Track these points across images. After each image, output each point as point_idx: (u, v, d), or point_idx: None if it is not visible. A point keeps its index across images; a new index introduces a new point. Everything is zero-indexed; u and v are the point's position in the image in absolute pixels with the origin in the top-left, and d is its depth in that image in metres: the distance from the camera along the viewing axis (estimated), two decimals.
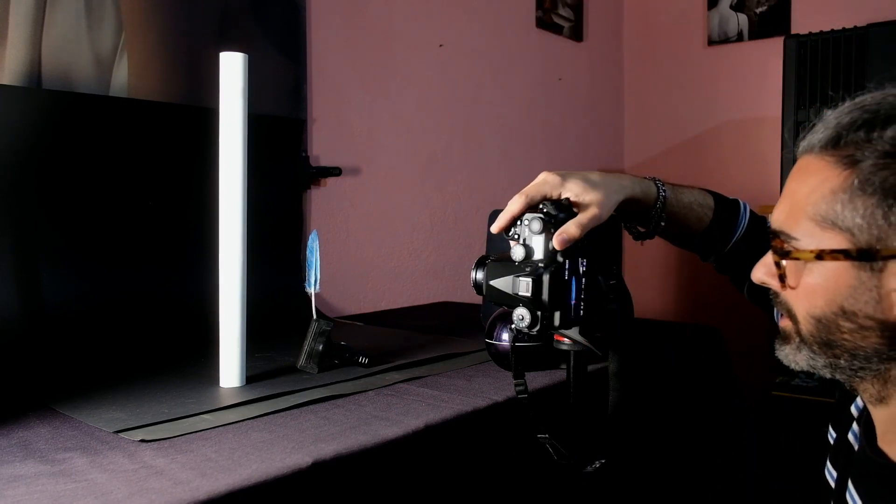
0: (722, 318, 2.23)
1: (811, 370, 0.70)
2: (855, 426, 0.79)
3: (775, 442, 2.07)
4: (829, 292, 0.65)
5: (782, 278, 0.68)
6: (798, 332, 0.69)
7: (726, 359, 1.58)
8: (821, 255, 0.64)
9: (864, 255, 0.62)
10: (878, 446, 0.72)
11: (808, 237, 0.66)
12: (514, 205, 0.81)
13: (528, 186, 0.83)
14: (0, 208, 1.30)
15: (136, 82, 1.50)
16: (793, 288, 0.68)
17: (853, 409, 0.81)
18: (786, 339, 0.71)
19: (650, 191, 0.89)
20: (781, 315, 0.72)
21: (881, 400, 0.69)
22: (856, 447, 0.78)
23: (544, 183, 0.83)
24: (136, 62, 1.50)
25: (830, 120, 0.67)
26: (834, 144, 0.66)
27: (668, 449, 1.35)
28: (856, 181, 0.63)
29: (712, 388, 1.53)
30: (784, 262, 0.68)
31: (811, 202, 0.65)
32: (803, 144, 0.69)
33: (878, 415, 0.71)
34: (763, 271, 0.71)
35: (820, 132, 0.67)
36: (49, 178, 1.36)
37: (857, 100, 0.67)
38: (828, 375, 0.69)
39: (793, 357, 0.70)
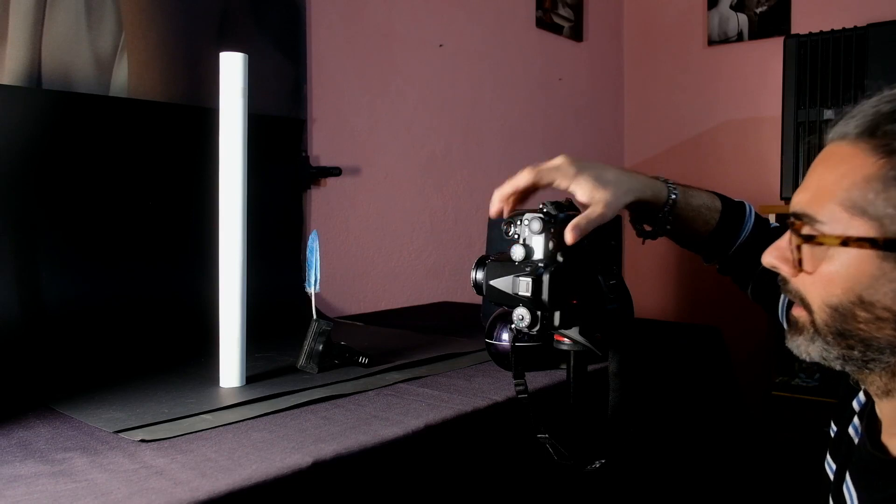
0: (722, 318, 2.23)
1: (822, 361, 0.69)
2: (856, 420, 0.79)
3: (775, 442, 2.07)
4: (849, 281, 0.64)
5: (799, 263, 0.67)
6: (812, 322, 0.68)
7: (726, 359, 1.58)
8: (846, 242, 0.64)
9: (891, 246, 0.62)
10: (881, 441, 0.72)
11: (834, 222, 0.65)
12: (522, 179, 0.81)
13: (543, 166, 0.82)
14: (0, 208, 1.30)
15: (136, 82, 1.50)
16: (809, 273, 0.67)
17: (855, 404, 0.81)
18: (799, 329, 0.70)
19: (661, 193, 0.89)
20: (793, 304, 0.71)
21: (888, 393, 0.69)
22: (856, 440, 0.78)
23: (557, 169, 0.82)
24: (136, 62, 1.50)
25: (867, 108, 0.66)
26: (871, 133, 0.65)
27: (668, 449, 1.35)
28: (892, 171, 0.62)
29: (712, 387, 1.53)
30: (804, 247, 0.66)
31: (842, 187, 0.65)
32: (836, 130, 0.68)
33: (884, 408, 0.71)
34: (775, 255, 0.70)
35: (857, 118, 0.66)
36: (49, 178, 1.36)
37: None
38: (837, 367, 0.69)
39: (805, 348, 0.69)
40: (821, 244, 0.65)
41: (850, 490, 0.73)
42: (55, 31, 1.38)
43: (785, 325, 0.74)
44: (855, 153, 0.65)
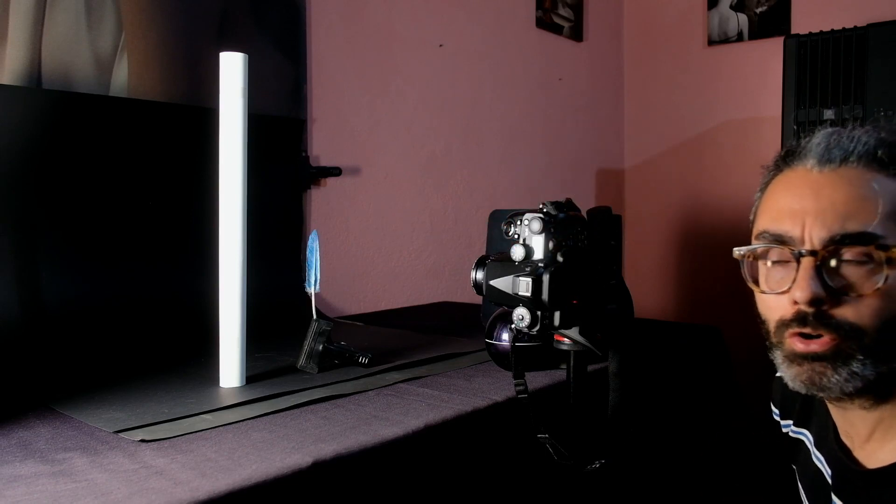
0: (722, 318, 2.23)
1: (862, 387, 0.67)
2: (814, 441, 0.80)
3: (775, 442, 2.07)
4: None
5: (886, 281, 0.64)
6: (862, 346, 0.66)
7: (726, 359, 1.58)
8: None
9: None
10: (854, 455, 0.72)
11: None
12: None
13: None
14: (0, 208, 1.30)
15: (136, 82, 1.50)
16: (869, 294, 0.65)
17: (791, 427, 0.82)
18: (843, 358, 0.66)
19: None
20: (827, 337, 0.67)
21: (878, 402, 0.69)
22: (815, 456, 0.78)
23: None
24: (136, 62, 1.50)
25: (869, 139, 0.68)
26: (872, 159, 0.67)
27: (668, 449, 1.35)
28: None
29: (712, 387, 1.53)
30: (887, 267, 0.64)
31: (889, 202, 0.65)
32: (826, 159, 0.69)
33: (867, 418, 0.71)
34: (818, 288, 0.66)
35: (858, 148, 0.68)
36: (49, 178, 1.36)
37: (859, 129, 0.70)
38: (860, 385, 0.67)
39: (860, 374, 0.66)
40: None
41: None
42: (55, 31, 1.38)
43: (805, 373, 0.68)
44: (881, 175, 0.67)
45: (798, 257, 0.67)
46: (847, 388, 0.66)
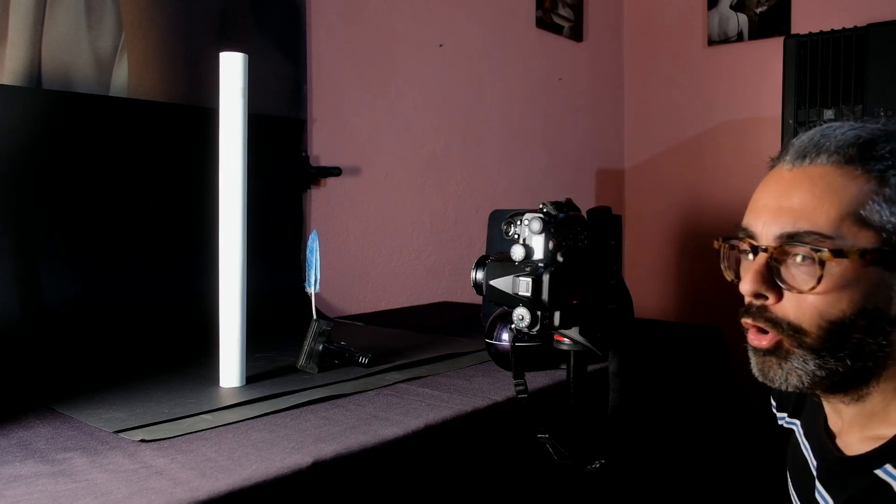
0: (722, 318, 2.23)
1: (808, 384, 0.69)
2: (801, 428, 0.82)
3: (775, 442, 2.07)
4: (858, 292, 0.65)
5: (818, 280, 0.65)
6: (801, 344, 0.67)
7: (726, 359, 1.58)
8: (864, 253, 0.65)
9: (893, 255, 0.64)
10: (836, 444, 0.74)
11: (848, 236, 0.65)
12: None
13: None
14: (0, 208, 1.30)
15: (136, 82, 1.50)
16: (806, 292, 0.66)
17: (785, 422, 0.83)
18: (783, 355, 0.69)
19: None
20: (764, 331, 0.70)
21: (859, 398, 0.70)
22: (804, 445, 0.80)
23: None
24: (136, 62, 1.50)
25: (840, 136, 0.68)
26: (861, 157, 0.67)
27: (668, 449, 1.35)
28: (887, 188, 0.65)
29: (712, 387, 1.53)
30: (827, 265, 0.65)
31: (845, 203, 0.65)
32: (801, 157, 0.70)
33: (846, 412, 0.73)
34: (759, 283, 0.69)
35: (831, 146, 0.68)
36: (49, 178, 1.36)
37: (837, 124, 0.71)
38: (808, 381, 0.69)
39: (800, 371, 0.68)
40: (845, 257, 0.65)
41: (822, 495, 0.74)
42: (55, 31, 1.38)
43: (758, 364, 0.72)
44: (845, 173, 0.67)
45: (754, 252, 0.70)
46: (792, 381, 0.69)
